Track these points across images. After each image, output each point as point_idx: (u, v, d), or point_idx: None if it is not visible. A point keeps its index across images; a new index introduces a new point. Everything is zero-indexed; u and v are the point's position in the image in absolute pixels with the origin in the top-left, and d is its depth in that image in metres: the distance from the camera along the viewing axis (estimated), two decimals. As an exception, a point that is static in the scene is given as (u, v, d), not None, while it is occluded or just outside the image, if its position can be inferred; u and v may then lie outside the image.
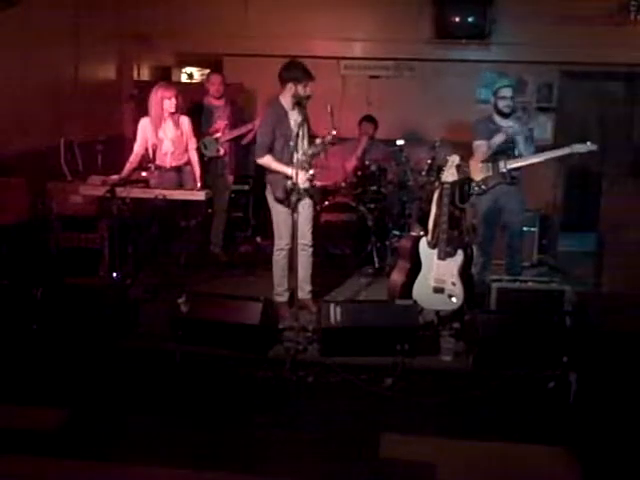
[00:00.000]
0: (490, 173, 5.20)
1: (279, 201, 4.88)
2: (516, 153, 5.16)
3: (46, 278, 5.06)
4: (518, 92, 5.36)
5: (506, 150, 5.16)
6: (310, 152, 4.78)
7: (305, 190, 4.73)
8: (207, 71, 6.98)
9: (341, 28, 7.44)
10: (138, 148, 5.60)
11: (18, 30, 5.70)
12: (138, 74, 7.94)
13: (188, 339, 4.34)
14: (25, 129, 5.82)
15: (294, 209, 4.53)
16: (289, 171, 4.60)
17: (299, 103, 4.76)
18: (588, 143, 4.98)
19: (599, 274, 5.92)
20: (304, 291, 5.06)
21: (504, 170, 5.14)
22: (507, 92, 5.17)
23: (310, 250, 5.05)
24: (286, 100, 4.86)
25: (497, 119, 5.23)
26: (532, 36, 7.13)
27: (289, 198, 4.62)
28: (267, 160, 4.83)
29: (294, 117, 4.84)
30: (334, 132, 4.68)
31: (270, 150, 4.82)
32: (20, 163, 5.57)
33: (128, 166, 5.49)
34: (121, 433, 3.57)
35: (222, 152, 6.33)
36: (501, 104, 5.18)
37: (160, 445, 3.44)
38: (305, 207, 4.91)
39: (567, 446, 3.47)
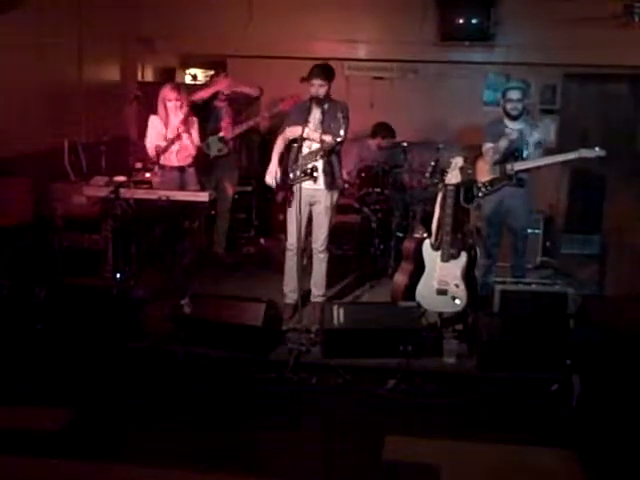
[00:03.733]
0: (497, 175, 5.17)
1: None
2: (524, 155, 5.11)
3: (49, 278, 5.06)
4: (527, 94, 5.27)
5: (514, 152, 5.10)
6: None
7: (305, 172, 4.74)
8: (211, 72, 6.98)
9: (345, 30, 7.43)
10: (149, 144, 5.69)
11: (21, 31, 5.71)
12: (142, 75, 7.94)
13: (191, 340, 4.34)
14: (29, 130, 5.83)
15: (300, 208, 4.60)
16: (275, 160, 4.92)
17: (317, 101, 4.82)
18: (597, 148, 4.89)
19: (602, 277, 5.91)
20: (313, 295, 5.07)
21: (511, 172, 5.10)
22: (514, 94, 5.10)
23: (322, 255, 5.02)
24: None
25: (506, 121, 5.17)
26: (536, 38, 7.12)
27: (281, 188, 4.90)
28: (277, 142, 5.02)
29: (315, 114, 4.85)
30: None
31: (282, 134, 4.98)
32: (24, 164, 5.58)
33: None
34: (122, 433, 3.57)
35: (226, 151, 6.34)
36: (508, 106, 5.11)
37: (161, 446, 3.44)
38: (317, 212, 4.93)
39: (570, 449, 3.47)
